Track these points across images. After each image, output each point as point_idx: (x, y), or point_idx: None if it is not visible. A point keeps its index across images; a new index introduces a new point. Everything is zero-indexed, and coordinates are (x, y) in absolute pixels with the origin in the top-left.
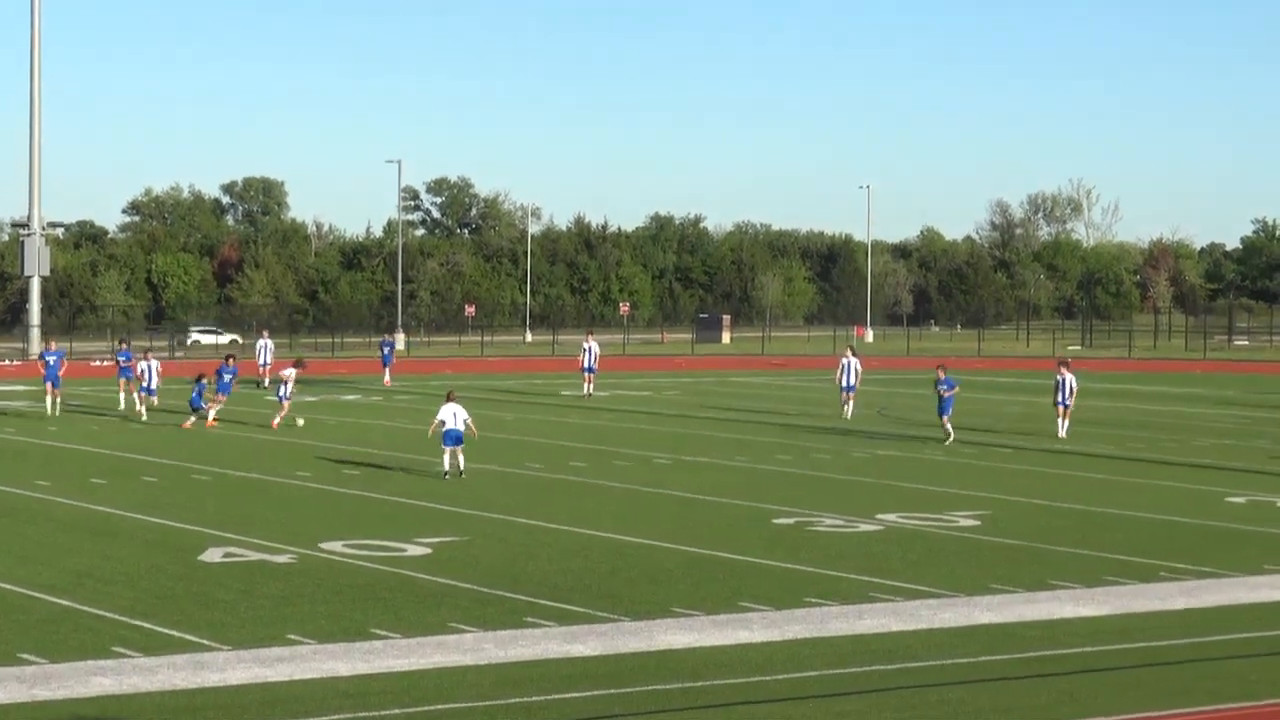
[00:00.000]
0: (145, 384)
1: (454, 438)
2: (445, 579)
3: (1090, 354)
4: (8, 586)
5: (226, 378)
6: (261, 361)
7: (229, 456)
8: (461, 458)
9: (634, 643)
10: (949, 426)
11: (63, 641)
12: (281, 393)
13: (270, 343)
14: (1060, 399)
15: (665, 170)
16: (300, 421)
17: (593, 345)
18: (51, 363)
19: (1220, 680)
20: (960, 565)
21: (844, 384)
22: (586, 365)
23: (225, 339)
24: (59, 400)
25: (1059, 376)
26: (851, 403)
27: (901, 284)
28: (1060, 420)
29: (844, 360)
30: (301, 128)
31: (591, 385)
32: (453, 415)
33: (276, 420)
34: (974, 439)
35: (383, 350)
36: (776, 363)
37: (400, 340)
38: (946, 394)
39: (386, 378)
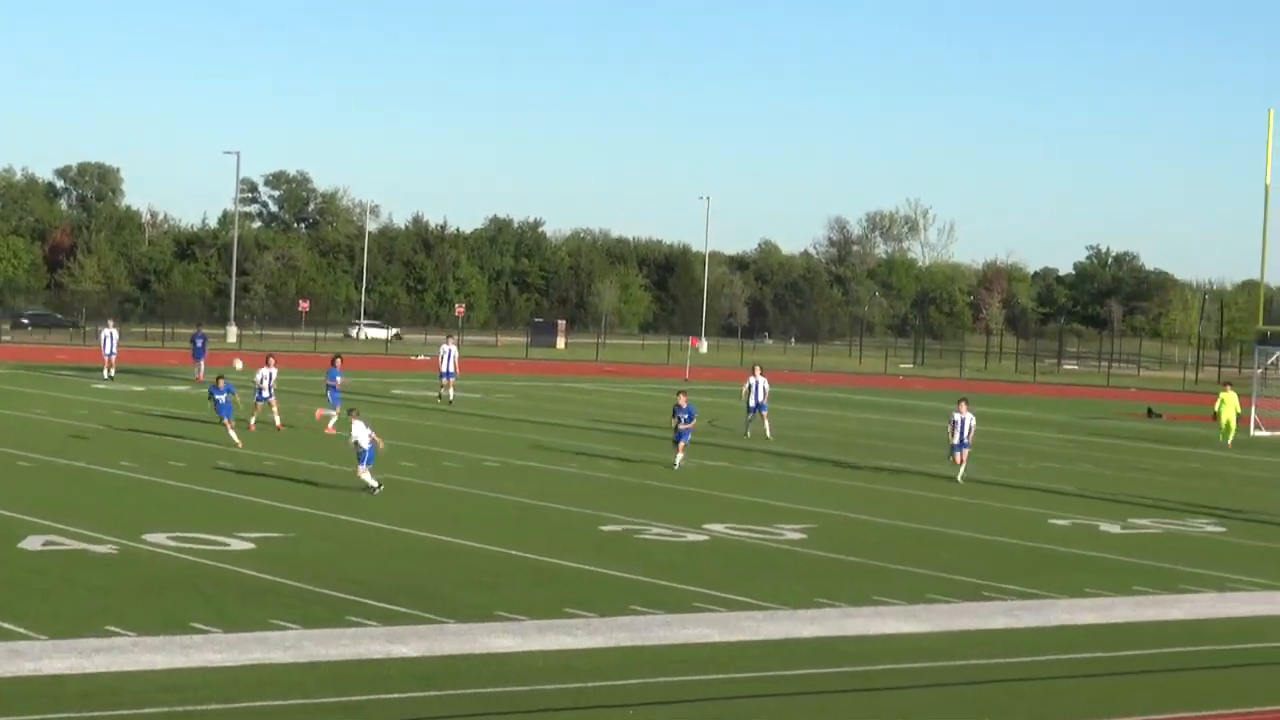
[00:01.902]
0: None
1: (369, 457)
2: (268, 575)
3: (922, 372)
4: None
5: (335, 380)
6: (107, 351)
7: (54, 444)
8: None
9: (457, 645)
10: (680, 456)
11: None
12: (265, 393)
13: (115, 332)
14: (959, 440)
15: (505, 173)
16: (278, 422)
17: (452, 349)
18: None
19: (1036, 700)
20: (785, 578)
21: (751, 404)
22: (446, 369)
23: (390, 333)
24: None
25: (957, 416)
26: (767, 422)
27: (737, 296)
28: (959, 465)
29: (751, 379)
30: (139, 114)
31: (451, 390)
32: (366, 435)
33: (253, 421)
34: (804, 453)
35: (195, 343)
36: (610, 370)
37: (232, 333)
38: (685, 424)
39: (199, 372)
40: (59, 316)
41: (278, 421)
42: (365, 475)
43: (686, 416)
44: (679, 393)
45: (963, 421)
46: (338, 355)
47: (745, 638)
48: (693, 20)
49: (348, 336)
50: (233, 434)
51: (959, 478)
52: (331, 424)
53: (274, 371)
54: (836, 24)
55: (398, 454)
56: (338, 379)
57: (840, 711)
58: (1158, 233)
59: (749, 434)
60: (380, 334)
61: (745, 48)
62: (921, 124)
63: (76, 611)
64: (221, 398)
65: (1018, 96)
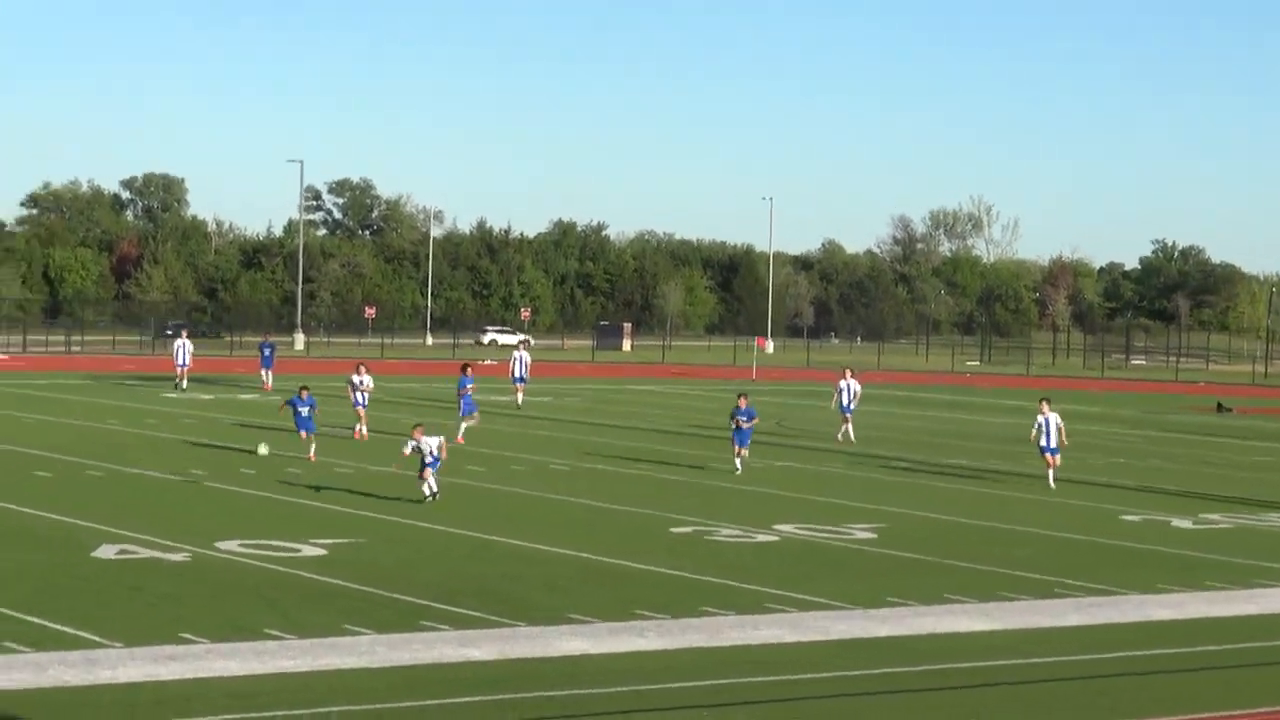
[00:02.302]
0: None
1: (432, 466)
2: (340, 580)
3: (989, 370)
4: None
5: (468, 388)
6: (179, 362)
7: (124, 453)
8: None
9: (529, 648)
10: (741, 459)
11: None
12: (360, 400)
13: (189, 343)
14: (1046, 444)
15: (568, 176)
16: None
17: (524, 354)
18: None
19: (1113, 697)
20: (856, 577)
21: (842, 405)
22: (517, 375)
23: (516, 338)
24: None
25: (1041, 418)
26: (849, 425)
27: (802, 296)
28: (1049, 470)
29: (842, 382)
30: (203, 124)
31: (520, 395)
32: (436, 443)
33: (360, 429)
34: (873, 452)
35: (263, 352)
36: (676, 371)
37: (299, 340)
38: (745, 425)
39: (268, 381)
40: (202, 327)
41: (364, 430)
42: (431, 482)
43: (746, 418)
44: (739, 395)
45: (1047, 422)
46: (468, 363)
47: (818, 638)
48: (752, 20)
49: (477, 344)
50: (312, 449)
51: (1051, 482)
52: (461, 434)
53: (368, 379)
54: (895, 22)
55: (466, 459)
56: (469, 386)
57: (915, 711)
58: (1224, 226)
59: (841, 437)
60: (511, 339)
61: (806, 47)
62: (983, 120)
63: (151, 619)
64: (304, 410)
65: (1079, 90)
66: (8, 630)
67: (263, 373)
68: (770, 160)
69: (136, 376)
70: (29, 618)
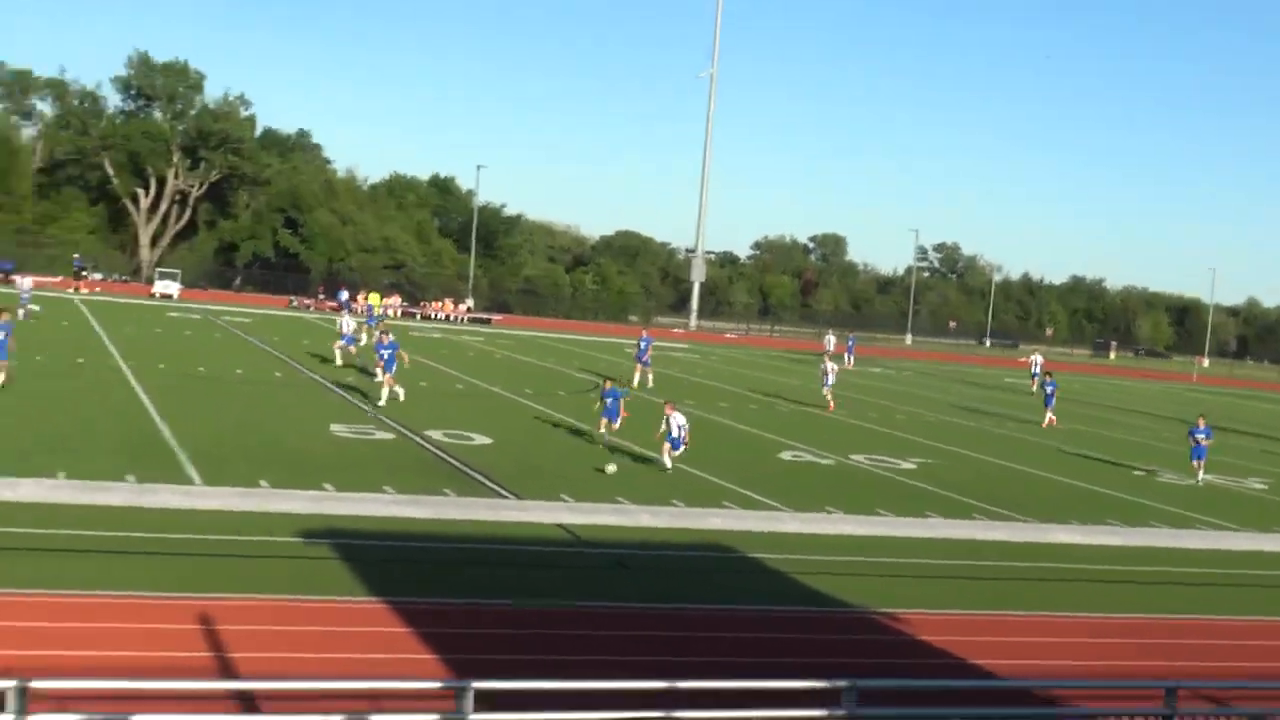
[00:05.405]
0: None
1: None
2: (922, 484)
3: None
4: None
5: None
6: (827, 348)
7: (794, 393)
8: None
9: (1033, 535)
10: (1201, 473)
11: (694, 495)
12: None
13: (834, 336)
14: None
15: (1082, 241)
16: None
17: (1039, 358)
18: (641, 346)
19: (1222, 592)
20: (1165, 500)
21: None
22: (1034, 372)
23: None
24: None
25: None
26: None
27: (1229, 331)
28: None
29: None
30: (853, 198)
31: (1036, 385)
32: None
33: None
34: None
35: (846, 342)
36: (1143, 373)
37: (909, 339)
38: (1204, 441)
39: (849, 360)
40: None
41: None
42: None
43: (1205, 435)
44: (1199, 416)
45: None
46: (1050, 374)
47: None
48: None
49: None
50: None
51: None
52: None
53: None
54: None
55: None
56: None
57: (1101, 593)
58: None
59: None
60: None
61: (1230, 171)
62: None
63: (806, 495)
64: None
65: None
66: (725, 495)
67: (848, 355)
68: (1210, 234)
69: (809, 353)
70: (739, 489)
